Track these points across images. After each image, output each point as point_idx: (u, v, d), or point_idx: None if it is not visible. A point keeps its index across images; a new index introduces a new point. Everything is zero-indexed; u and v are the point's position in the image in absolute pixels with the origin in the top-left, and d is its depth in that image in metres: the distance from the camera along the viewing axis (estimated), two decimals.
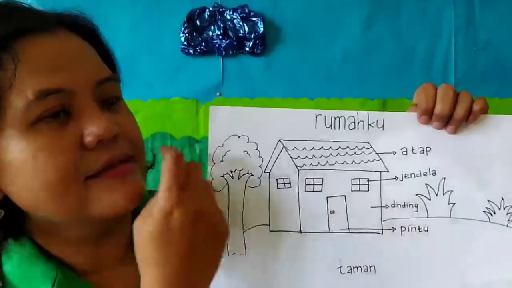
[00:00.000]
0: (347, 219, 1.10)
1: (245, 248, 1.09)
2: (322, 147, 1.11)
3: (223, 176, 1.10)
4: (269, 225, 1.10)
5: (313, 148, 1.11)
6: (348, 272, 1.09)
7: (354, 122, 1.12)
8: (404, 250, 1.10)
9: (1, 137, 0.88)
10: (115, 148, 0.92)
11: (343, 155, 1.11)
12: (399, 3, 2.26)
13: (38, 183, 0.89)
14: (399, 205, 1.11)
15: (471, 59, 2.29)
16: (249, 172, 1.10)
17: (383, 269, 1.10)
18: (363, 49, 2.25)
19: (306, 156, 1.11)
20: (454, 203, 1.11)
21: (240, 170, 1.10)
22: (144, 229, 0.89)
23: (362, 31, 2.25)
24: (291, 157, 1.10)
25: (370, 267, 1.09)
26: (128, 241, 1.05)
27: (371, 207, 1.11)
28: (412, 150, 1.12)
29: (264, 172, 1.10)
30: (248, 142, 1.10)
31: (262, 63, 2.23)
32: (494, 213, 1.11)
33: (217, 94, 2.22)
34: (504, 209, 1.11)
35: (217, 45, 2.20)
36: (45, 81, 0.87)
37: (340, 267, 1.09)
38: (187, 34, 2.19)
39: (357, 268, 1.09)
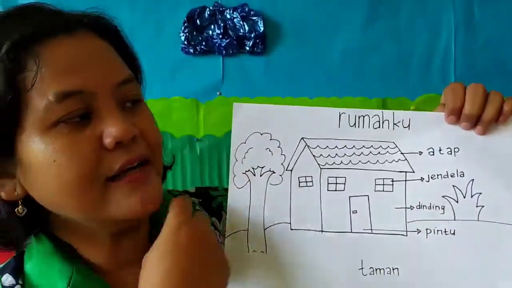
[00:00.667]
0: (370, 220, 1.08)
1: (266, 246, 1.07)
2: (346, 146, 1.09)
3: (245, 173, 1.08)
4: (290, 223, 1.08)
5: (336, 147, 1.09)
6: (370, 274, 1.06)
7: (379, 121, 1.09)
8: (430, 253, 1.07)
9: (23, 138, 0.90)
10: (133, 150, 0.94)
11: (367, 155, 1.09)
12: (398, 2, 2.26)
13: (58, 183, 0.90)
14: (424, 207, 1.08)
15: (470, 58, 2.28)
16: (271, 170, 1.08)
17: (407, 272, 1.07)
18: (362, 48, 2.25)
19: (329, 155, 1.08)
20: (483, 206, 1.07)
21: (262, 167, 1.08)
22: (154, 245, 0.93)
23: (361, 30, 2.24)
24: (314, 156, 1.08)
25: (393, 269, 1.06)
26: (144, 242, 1.07)
27: (395, 208, 1.08)
28: (440, 150, 1.09)
29: (286, 170, 1.09)
30: (270, 139, 1.09)
31: (262, 62, 2.22)
32: None
33: (217, 93, 2.21)
34: None
35: (217, 44, 2.19)
36: (65, 83, 0.89)
37: (362, 268, 1.06)
38: (187, 34, 2.18)
39: (380, 270, 1.06)
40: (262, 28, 2.16)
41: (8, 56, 0.87)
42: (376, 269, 1.06)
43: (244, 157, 1.08)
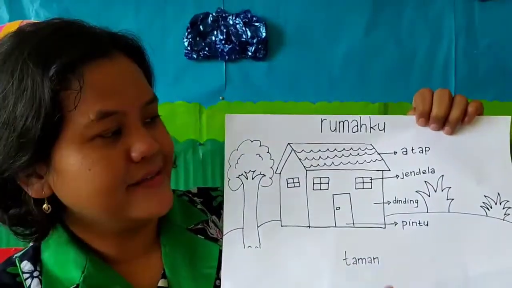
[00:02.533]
0: (352, 215, 1.20)
1: (259, 242, 1.20)
2: (328, 149, 1.21)
3: (238, 177, 1.21)
4: (281, 220, 1.21)
5: (320, 150, 1.22)
6: (353, 263, 1.19)
7: (357, 126, 1.22)
8: (406, 243, 1.19)
9: (62, 148, 1.04)
10: (153, 163, 1.10)
11: (347, 156, 1.21)
12: (400, 8, 2.30)
13: (90, 189, 1.06)
14: (400, 201, 1.20)
15: (471, 63, 2.32)
16: (262, 173, 1.22)
17: (386, 261, 1.19)
18: (364, 54, 2.29)
19: (313, 158, 1.21)
20: (453, 199, 1.20)
21: (254, 171, 1.22)
22: None
23: (363, 36, 2.29)
24: (300, 159, 1.21)
25: (374, 258, 1.19)
26: (152, 237, 1.22)
27: (374, 203, 1.21)
28: (412, 150, 1.21)
29: (275, 172, 1.22)
30: (260, 146, 1.22)
31: (264, 68, 2.28)
32: (491, 207, 1.19)
33: (220, 98, 2.27)
34: (500, 203, 1.20)
35: (220, 50, 2.24)
36: (104, 104, 1.03)
37: (345, 258, 1.19)
38: (190, 39, 2.23)
39: (362, 259, 1.19)
40: (264, 34, 2.22)
41: (57, 77, 0.99)
42: (358, 259, 1.19)
43: (237, 163, 1.21)
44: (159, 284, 1.20)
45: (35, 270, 1.16)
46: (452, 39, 2.33)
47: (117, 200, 1.08)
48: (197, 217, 1.33)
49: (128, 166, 1.07)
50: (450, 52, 2.33)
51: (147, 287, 1.20)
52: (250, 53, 2.26)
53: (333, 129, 1.22)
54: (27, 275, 1.15)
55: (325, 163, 1.22)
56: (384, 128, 1.22)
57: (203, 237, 1.29)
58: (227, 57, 2.26)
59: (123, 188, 1.08)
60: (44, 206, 1.10)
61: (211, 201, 1.38)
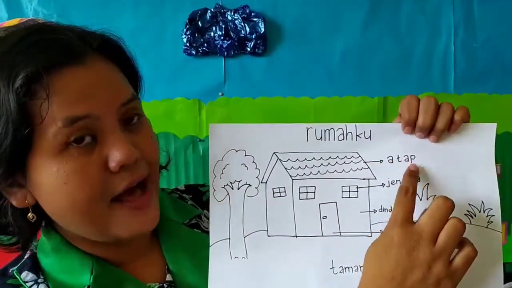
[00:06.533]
0: (339, 224, 1.20)
1: (246, 252, 1.20)
2: (314, 157, 1.20)
3: (224, 187, 1.20)
4: (267, 230, 1.20)
5: (305, 159, 1.20)
6: (340, 272, 1.18)
7: (343, 134, 1.20)
8: None
9: (36, 161, 0.99)
10: (135, 171, 1.05)
11: (333, 165, 1.20)
12: (398, 2, 2.31)
13: (67, 203, 1.02)
14: (386, 210, 1.19)
15: (470, 56, 2.33)
16: (248, 183, 1.21)
17: None
18: (362, 48, 2.30)
19: (299, 167, 1.20)
20: None
21: (239, 181, 1.20)
22: (403, 251, 1.06)
23: (361, 30, 2.30)
24: (285, 168, 1.20)
25: (360, 267, 1.17)
26: (147, 238, 1.22)
27: (361, 212, 1.20)
28: (398, 158, 1.20)
29: (261, 182, 1.21)
30: (245, 155, 1.21)
31: (263, 63, 2.29)
32: (475, 215, 1.19)
33: (219, 94, 2.28)
34: (484, 211, 1.19)
35: (218, 46, 2.26)
36: (71, 109, 0.97)
37: (332, 267, 1.18)
38: (189, 35, 2.25)
39: (349, 268, 1.18)
40: (263, 29, 2.23)
41: (22, 88, 0.94)
42: (345, 268, 1.18)
43: (222, 173, 1.20)
44: (167, 279, 1.20)
45: (39, 278, 1.12)
46: (451, 33, 2.34)
47: (98, 215, 1.04)
48: (191, 212, 1.35)
49: (107, 177, 1.02)
50: (449, 46, 2.34)
51: (155, 283, 1.19)
52: (249, 49, 2.28)
53: (318, 138, 1.21)
54: (31, 283, 1.11)
55: (311, 172, 1.21)
56: (370, 136, 1.21)
57: (199, 231, 1.30)
58: (226, 53, 2.27)
59: (105, 202, 1.04)
60: (29, 215, 1.07)
61: (200, 197, 1.40)
